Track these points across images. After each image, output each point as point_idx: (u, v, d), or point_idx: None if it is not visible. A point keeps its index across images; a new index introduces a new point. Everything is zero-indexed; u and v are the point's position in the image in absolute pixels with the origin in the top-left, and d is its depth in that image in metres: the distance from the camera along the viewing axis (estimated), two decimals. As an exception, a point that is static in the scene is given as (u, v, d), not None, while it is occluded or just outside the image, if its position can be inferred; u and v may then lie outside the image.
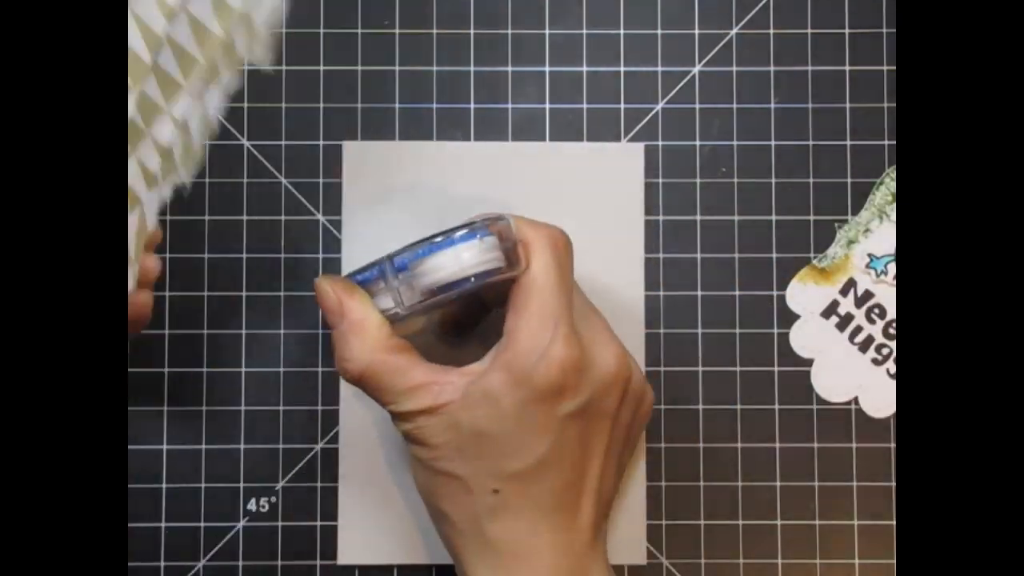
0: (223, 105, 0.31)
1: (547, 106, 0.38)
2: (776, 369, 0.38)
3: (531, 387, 0.29)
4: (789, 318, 0.38)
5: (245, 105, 0.38)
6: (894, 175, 0.38)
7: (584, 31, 0.38)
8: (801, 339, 0.38)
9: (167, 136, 0.31)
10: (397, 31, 0.38)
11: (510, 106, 0.38)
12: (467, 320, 0.35)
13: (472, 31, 0.38)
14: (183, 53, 0.30)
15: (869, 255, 0.38)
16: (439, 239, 0.31)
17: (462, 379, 0.30)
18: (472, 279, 0.30)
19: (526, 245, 0.31)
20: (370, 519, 0.37)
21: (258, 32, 0.32)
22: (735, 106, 0.38)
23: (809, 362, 0.38)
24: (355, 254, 0.38)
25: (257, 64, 0.31)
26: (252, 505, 0.37)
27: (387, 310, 0.31)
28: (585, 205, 0.38)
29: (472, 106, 0.38)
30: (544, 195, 0.38)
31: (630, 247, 0.38)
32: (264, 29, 0.32)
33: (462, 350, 0.34)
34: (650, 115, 0.38)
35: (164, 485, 0.37)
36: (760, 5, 0.39)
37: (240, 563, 0.37)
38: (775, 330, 0.38)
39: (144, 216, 0.31)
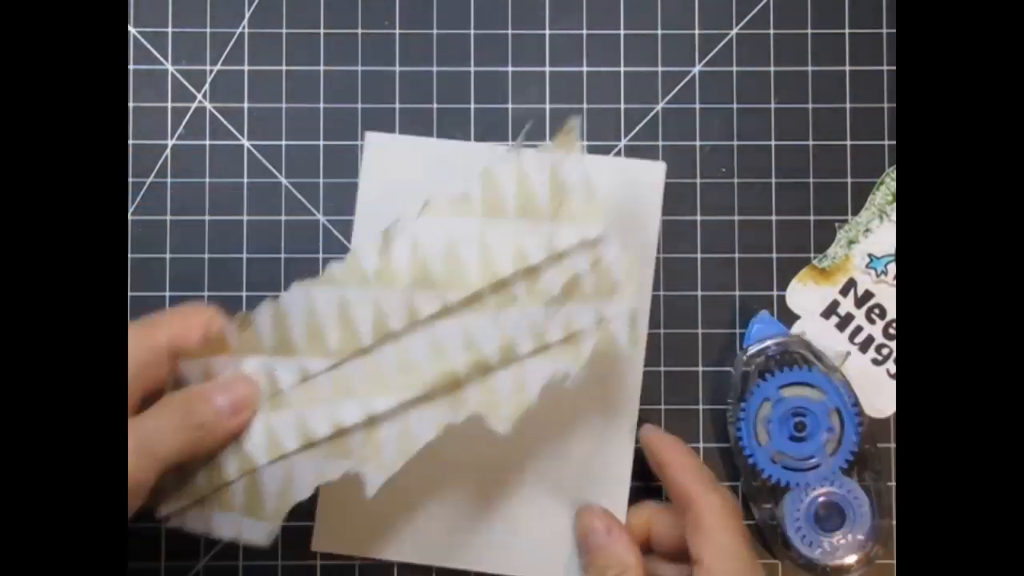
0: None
1: (547, 106, 0.38)
2: (776, 369, 0.38)
3: None
4: (789, 318, 0.38)
5: (245, 105, 0.38)
6: (894, 175, 0.38)
7: (584, 31, 0.38)
8: (801, 339, 0.38)
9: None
10: (397, 31, 0.38)
11: (510, 106, 0.38)
12: None
13: (472, 31, 0.38)
14: None
15: (869, 255, 0.38)
16: None
17: None
18: None
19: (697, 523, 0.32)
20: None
21: None
22: (735, 106, 0.38)
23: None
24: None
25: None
26: (252, 505, 0.37)
27: None
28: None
29: (472, 106, 0.38)
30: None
31: (645, 262, 0.38)
32: None
33: None
34: (650, 115, 0.38)
35: (164, 485, 0.37)
36: (760, 5, 0.39)
37: (240, 563, 0.37)
38: (775, 330, 0.38)
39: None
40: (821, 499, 0.35)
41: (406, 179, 0.38)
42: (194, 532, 0.33)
